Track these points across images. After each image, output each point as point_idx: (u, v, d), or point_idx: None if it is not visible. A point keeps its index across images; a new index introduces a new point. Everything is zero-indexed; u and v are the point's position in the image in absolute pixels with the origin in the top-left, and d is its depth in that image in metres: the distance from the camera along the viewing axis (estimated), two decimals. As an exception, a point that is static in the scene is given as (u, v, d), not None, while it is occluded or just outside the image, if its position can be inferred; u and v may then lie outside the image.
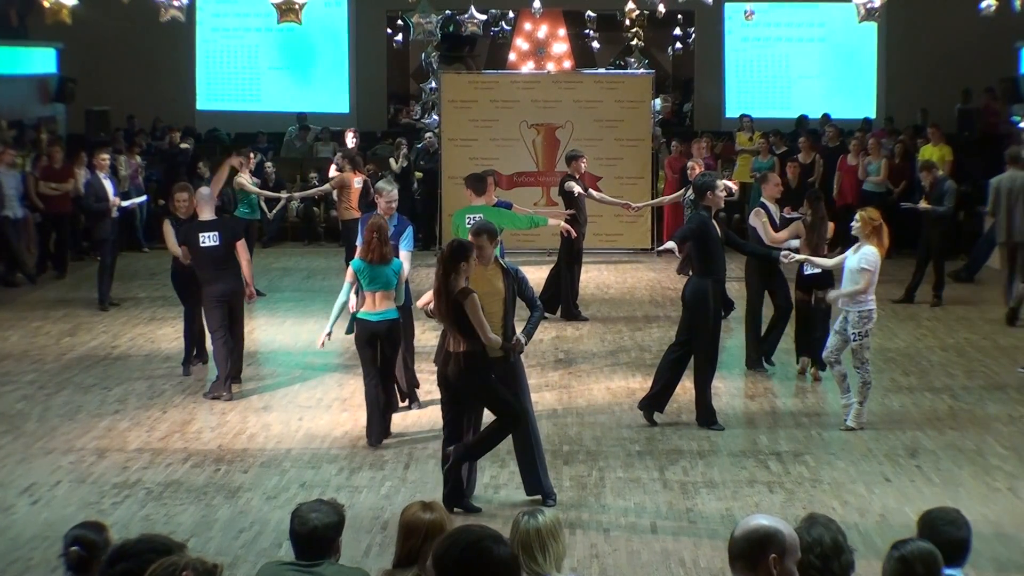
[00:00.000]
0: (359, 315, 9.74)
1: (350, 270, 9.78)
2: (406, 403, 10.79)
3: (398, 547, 4.93)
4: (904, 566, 4.39)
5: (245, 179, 15.85)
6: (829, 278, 11.43)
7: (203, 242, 11.10)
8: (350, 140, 18.44)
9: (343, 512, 5.02)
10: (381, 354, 9.73)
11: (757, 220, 11.92)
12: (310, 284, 16.46)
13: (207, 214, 11.25)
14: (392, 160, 20.18)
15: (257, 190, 16.03)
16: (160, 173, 20.33)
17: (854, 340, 10.08)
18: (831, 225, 11.89)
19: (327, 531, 4.89)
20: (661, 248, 10.58)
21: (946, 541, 4.71)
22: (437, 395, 11.08)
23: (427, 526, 4.88)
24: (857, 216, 10.25)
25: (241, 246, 11.27)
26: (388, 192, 10.52)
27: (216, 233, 11.14)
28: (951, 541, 4.77)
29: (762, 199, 12.33)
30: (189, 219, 11.66)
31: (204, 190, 11.69)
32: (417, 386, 10.93)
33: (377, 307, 9.65)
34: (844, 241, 16.01)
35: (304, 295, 16.02)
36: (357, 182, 15.79)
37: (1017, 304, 14.26)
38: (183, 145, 21.05)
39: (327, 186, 16.11)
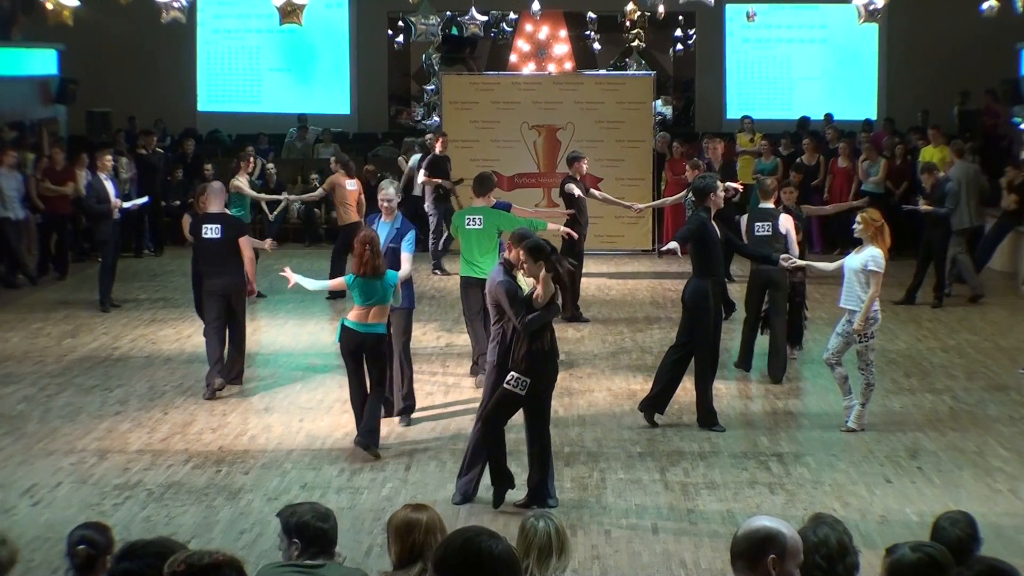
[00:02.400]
0: (345, 322, 9.58)
1: (341, 280, 9.70)
2: (397, 416, 10.64)
3: (397, 548, 4.93)
4: (934, 569, 4.36)
5: (243, 182, 15.85)
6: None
7: (205, 233, 11.20)
8: (439, 148, 18.02)
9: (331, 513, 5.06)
10: (367, 369, 9.56)
11: (790, 225, 11.72)
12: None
13: (214, 207, 11.35)
14: (402, 159, 20.23)
15: (254, 193, 16.02)
16: (140, 177, 19.88)
17: (859, 342, 10.07)
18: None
19: (334, 531, 4.93)
20: (664, 249, 10.60)
21: (952, 545, 4.68)
22: (432, 402, 11.17)
23: (425, 522, 4.90)
24: (858, 218, 10.22)
25: (244, 242, 11.32)
26: (383, 190, 10.51)
27: (218, 226, 11.22)
28: (955, 546, 4.75)
29: (788, 205, 12.22)
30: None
31: (216, 184, 11.79)
32: (410, 407, 10.64)
33: (369, 319, 9.47)
34: (843, 243, 16.10)
35: (305, 297, 15.97)
36: (350, 184, 15.67)
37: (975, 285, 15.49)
38: (158, 149, 20.79)
39: (319, 190, 16.06)
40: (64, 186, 17.42)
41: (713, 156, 17.22)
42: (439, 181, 17.58)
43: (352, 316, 9.55)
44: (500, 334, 8.48)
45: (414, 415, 10.58)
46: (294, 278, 9.95)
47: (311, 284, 10.17)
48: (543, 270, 8.19)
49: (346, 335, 9.55)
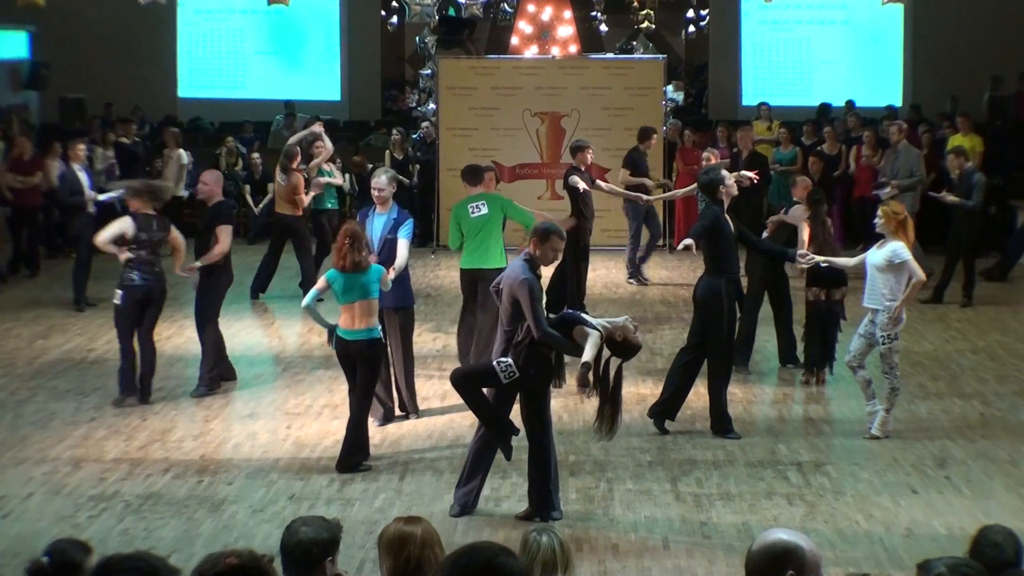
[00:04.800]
0: (337, 330, 9.50)
1: (323, 280, 9.55)
2: (404, 413, 10.76)
3: (390, 563, 4.93)
4: None
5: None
6: (843, 276, 11.47)
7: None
8: (646, 145, 16.94)
9: (338, 532, 5.02)
10: (359, 375, 9.47)
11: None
12: (298, 284, 16.43)
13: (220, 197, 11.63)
14: (388, 151, 20.23)
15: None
16: (121, 167, 19.79)
17: (883, 344, 10.06)
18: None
19: (312, 546, 4.89)
20: (679, 247, 10.64)
21: (991, 563, 4.66)
22: (428, 407, 11.18)
23: (420, 535, 4.91)
24: (880, 211, 10.24)
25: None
26: (376, 179, 10.58)
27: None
28: (997, 564, 4.72)
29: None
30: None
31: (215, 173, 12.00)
32: (411, 407, 10.83)
33: (356, 324, 9.36)
34: (865, 238, 16.10)
35: (293, 295, 15.97)
36: (280, 178, 15.79)
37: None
38: (136, 138, 20.75)
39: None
40: (32, 177, 17.38)
41: (743, 145, 17.21)
42: (641, 180, 16.51)
43: (341, 322, 9.47)
44: (508, 338, 8.39)
45: (408, 423, 10.59)
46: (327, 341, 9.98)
47: (314, 319, 9.92)
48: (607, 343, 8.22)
49: (338, 344, 9.50)
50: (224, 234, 11.29)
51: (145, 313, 11.11)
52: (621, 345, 8.28)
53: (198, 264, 11.21)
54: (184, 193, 18.50)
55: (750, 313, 12.24)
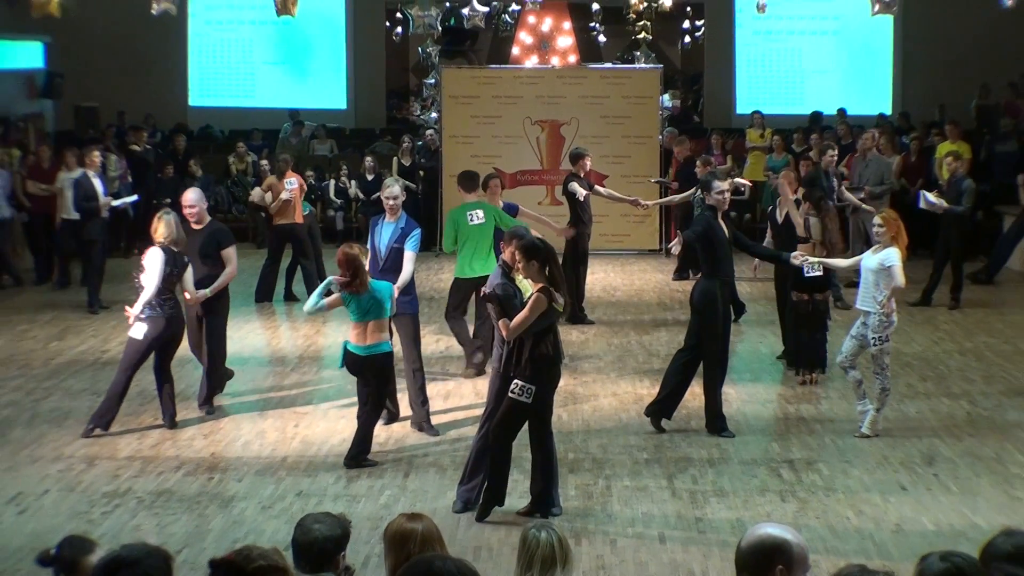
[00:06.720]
0: (347, 345, 9.49)
1: (337, 297, 9.45)
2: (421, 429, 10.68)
3: (390, 559, 4.96)
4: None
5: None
6: (827, 280, 11.53)
7: None
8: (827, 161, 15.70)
9: (348, 527, 5.05)
10: (374, 386, 9.51)
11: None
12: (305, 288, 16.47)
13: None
14: (396, 158, 20.23)
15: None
16: (133, 174, 19.74)
17: (874, 345, 10.08)
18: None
19: (327, 543, 4.92)
20: (673, 248, 10.69)
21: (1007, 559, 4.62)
22: (431, 407, 11.19)
23: (421, 533, 4.93)
24: (878, 219, 10.24)
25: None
26: (388, 188, 10.52)
27: None
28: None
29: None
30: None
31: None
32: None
33: (368, 339, 9.37)
34: (848, 243, 16.12)
35: (300, 298, 15.99)
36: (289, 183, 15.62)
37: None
38: (147, 146, 20.73)
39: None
40: (52, 184, 17.36)
41: (678, 154, 17.22)
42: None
43: (352, 337, 9.46)
44: (502, 344, 8.41)
45: (405, 423, 10.58)
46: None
47: (306, 306, 9.78)
48: (538, 278, 8.17)
49: (349, 359, 9.49)
50: (232, 258, 10.85)
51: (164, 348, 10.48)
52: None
53: (207, 292, 10.62)
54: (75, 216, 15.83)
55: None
